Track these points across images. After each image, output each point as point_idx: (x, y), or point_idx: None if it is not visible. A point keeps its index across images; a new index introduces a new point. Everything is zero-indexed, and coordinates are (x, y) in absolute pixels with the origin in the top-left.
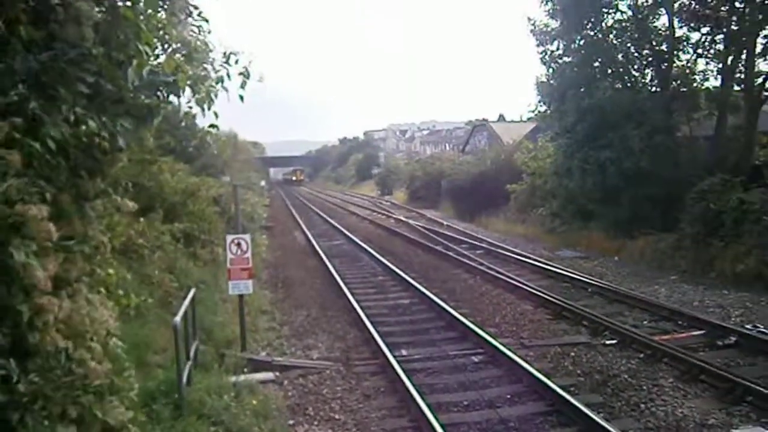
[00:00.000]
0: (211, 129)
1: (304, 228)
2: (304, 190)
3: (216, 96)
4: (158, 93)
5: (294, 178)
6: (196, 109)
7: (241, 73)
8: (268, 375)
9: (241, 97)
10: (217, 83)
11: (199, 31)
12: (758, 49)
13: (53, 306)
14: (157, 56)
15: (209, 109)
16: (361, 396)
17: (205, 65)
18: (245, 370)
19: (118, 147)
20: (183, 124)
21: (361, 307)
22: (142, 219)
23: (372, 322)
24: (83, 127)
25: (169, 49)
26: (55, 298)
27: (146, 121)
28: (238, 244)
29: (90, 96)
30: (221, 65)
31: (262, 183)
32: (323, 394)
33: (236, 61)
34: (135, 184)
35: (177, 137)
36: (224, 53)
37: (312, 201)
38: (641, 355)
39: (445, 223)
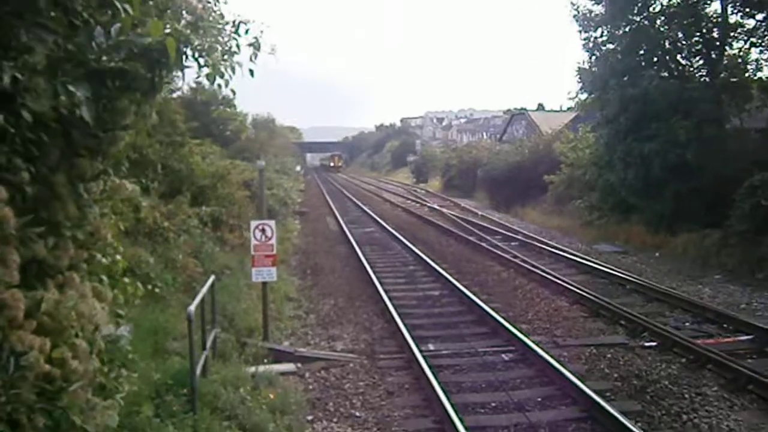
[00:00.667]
0: (228, 109)
1: (337, 214)
2: (341, 177)
3: (233, 71)
4: (152, 63)
5: (332, 164)
6: (224, 90)
7: (251, 44)
8: (290, 366)
9: (251, 72)
10: (224, 55)
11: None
12: None
13: (17, 301)
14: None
15: (226, 86)
16: (384, 392)
17: (218, 37)
18: (266, 360)
19: (121, 124)
20: (222, 107)
21: (390, 298)
22: (162, 201)
23: (399, 314)
24: (62, 98)
25: (171, 16)
26: (34, 289)
27: (147, 95)
28: (263, 230)
29: (46, 57)
30: (230, 36)
31: (298, 168)
32: (345, 388)
33: (246, 31)
34: (164, 166)
35: (215, 121)
36: (233, 22)
37: (346, 187)
38: (683, 360)
39: (479, 213)
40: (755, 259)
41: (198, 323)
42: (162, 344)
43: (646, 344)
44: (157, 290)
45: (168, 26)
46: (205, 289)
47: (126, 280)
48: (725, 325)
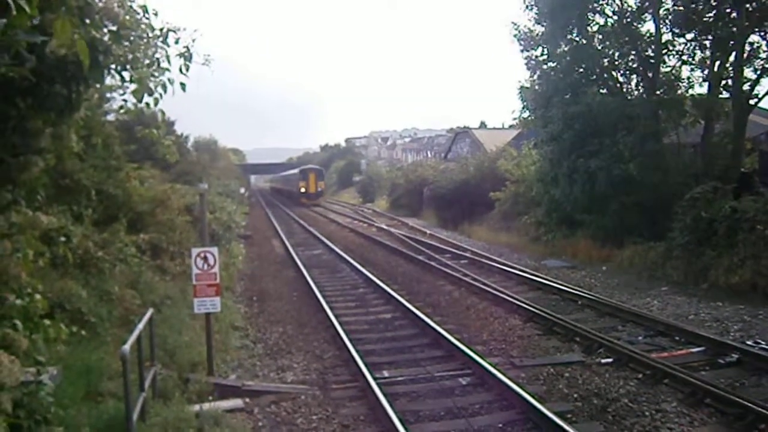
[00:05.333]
0: (155, 131)
1: (282, 237)
2: (289, 201)
3: (165, 88)
4: (67, 77)
5: (302, 189)
6: (153, 109)
7: (181, 55)
8: (237, 402)
9: (183, 86)
10: (151, 67)
11: (145, 11)
12: (745, 55)
13: None
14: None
15: (156, 104)
16: (338, 426)
17: (146, 50)
18: (211, 397)
19: (35, 148)
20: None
21: (340, 323)
22: (96, 230)
23: (351, 340)
24: None
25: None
26: None
27: (62, 114)
28: (205, 258)
29: None
30: (157, 46)
31: (242, 190)
32: (297, 424)
33: (176, 41)
34: (98, 192)
35: (156, 144)
36: (161, 30)
37: (292, 208)
38: (640, 376)
39: (427, 231)
40: (698, 270)
41: (135, 362)
42: (96, 386)
43: (603, 361)
44: (83, 332)
45: (77, 33)
46: (141, 324)
47: (47, 322)
48: (677, 338)
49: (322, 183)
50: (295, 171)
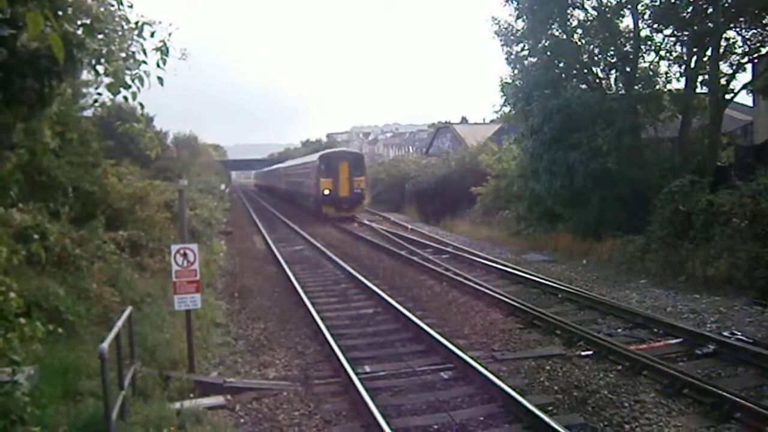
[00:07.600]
0: (136, 124)
1: (264, 233)
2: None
3: (141, 82)
4: (39, 71)
5: (326, 191)
6: (132, 102)
7: (158, 49)
8: (218, 399)
9: (160, 80)
10: (127, 61)
11: (119, 3)
12: (721, 50)
13: None
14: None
15: (134, 98)
16: (320, 422)
17: (122, 43)
18: (192, 394)
19: (7, 143)
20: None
21: (322, 319)
22: (73, 227)
23: (333, 335)
24: None
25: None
26: None
27: (34, 109)
28: (185, 255)
29: None
30: (133, 39)
31: (222, 186)
32: (279, 420)
33: (152, 34)
34: (75, 189)
35: (135, 140)
36: (136, 24)
37: (274, 205)
38: (619, 367)
39: (409, 226)
40: (676, 263)
41: (114, 360)
42: (74, 385)
43: (583, 353)
44: (61, 331)
45: (49, 26)
46: (120, 322)
47: (22, 320)
48: (655, 330)
49: (362, 179)
50: (312, 159)
